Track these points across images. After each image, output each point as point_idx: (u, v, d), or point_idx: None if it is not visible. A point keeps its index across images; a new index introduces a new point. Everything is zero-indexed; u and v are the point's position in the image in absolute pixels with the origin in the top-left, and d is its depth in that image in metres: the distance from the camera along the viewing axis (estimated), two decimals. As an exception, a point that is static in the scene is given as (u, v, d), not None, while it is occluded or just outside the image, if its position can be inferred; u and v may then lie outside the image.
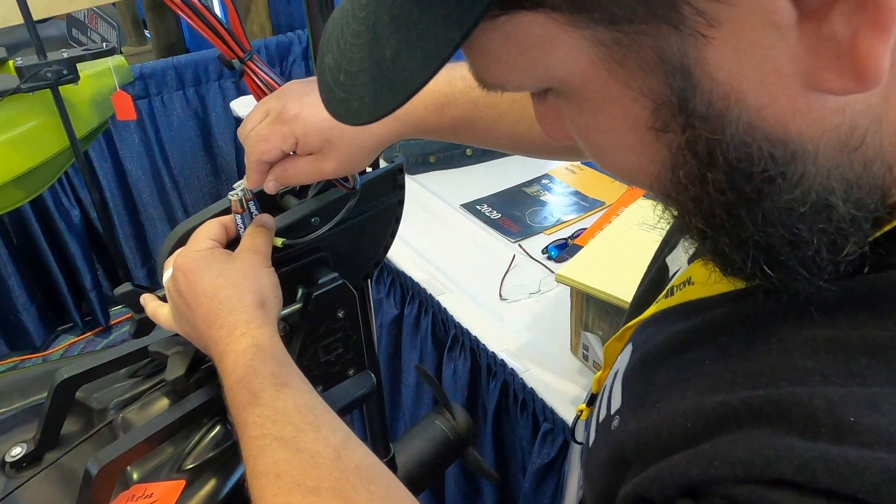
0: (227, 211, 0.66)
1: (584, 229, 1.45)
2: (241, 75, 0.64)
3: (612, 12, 0.27)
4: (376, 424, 0.97)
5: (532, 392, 1.10)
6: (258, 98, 0.66)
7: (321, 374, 0.70)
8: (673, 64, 0.28)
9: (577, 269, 1.03)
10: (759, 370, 0.33)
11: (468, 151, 1.76)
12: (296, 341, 0.67)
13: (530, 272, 1.37)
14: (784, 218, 0.31)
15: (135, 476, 0.65)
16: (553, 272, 1.33)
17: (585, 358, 1.11)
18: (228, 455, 0.67)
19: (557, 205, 1.59)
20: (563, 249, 1.40)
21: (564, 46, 0.29)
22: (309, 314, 0.66)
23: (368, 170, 0.72)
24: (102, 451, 0.60)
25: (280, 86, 0.64)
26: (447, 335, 1.30)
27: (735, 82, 0.28)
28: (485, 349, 1.19)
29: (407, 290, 1.42)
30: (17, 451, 0.68)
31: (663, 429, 0.36)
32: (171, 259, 0.64)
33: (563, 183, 1.68)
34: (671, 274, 0.53)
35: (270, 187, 0.63)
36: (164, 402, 0.70)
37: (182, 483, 0.63)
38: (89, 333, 2.61)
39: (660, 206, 0.37)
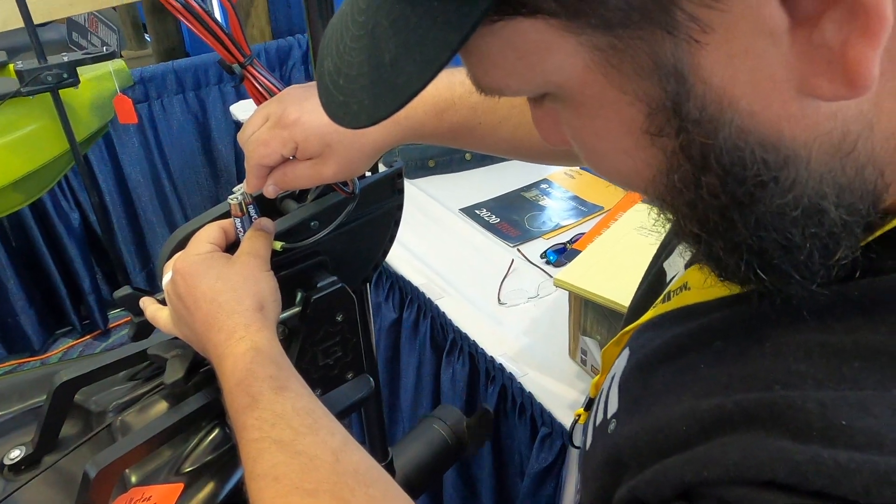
0: (226, 215, 0.66)
1: (583, 234, 1.45)
2: (241, 80, 0.65)
3: (608, 17, 0.28)
4: (374, 428, 0.97)
5: (530, 396, 1.10)
6: (258, 102, 0.66)
7: (320, 378, 0.70)
8: (667, 68, 0.29)
9: (576, 273, 1.04)
10: (753, 374, 0.34)
11: (467, 156, 1.77)
12: (295, 345, 0.67)
13: (529, 277, 1.37)
14: (777, 222, 0.31)
15: (133, 479, 0.65)
16: (551, 277, 1.33)
17: (584, 362, 1.11)
18: (227, 458, 0.67)
19: (556, 209, 1.59)
20: (562, 254, 1.40)
21: (561, 51, 0.30)
22: (308, 318, 0.66)
23: (368, 174, 0.73)
24: (101, 454, 0.60)
25: (280, 90, 0.64)
26: (446, 339, 1.30)
27: (728, 87, 0.29)
28: (483, 353, 1.19)
29: (406, 294, 1.42)
30: (16, 454, 0.68)
31: (659, 432, 0.36)
32: (170, 262, 0.64)
33: (562, 188, 1.68)
34: (668, 279, 0.53)
35: (270, 191, 0.63)
36: (162, 406, 0.70)
37: (180, 486, 0.63)
38: (88, 336, 2.60)
39: (656, 211, 0.37)
